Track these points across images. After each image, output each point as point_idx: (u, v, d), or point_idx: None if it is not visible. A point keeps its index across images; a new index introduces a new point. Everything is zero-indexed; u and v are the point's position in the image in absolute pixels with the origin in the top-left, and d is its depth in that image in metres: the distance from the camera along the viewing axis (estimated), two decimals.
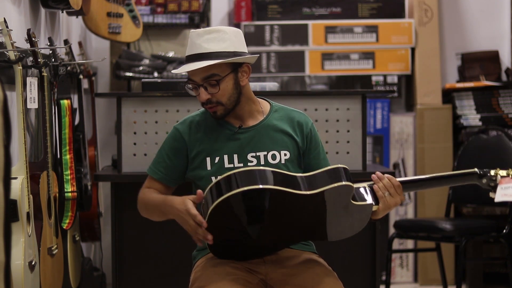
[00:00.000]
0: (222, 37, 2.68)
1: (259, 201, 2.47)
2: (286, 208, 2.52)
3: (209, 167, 2.75)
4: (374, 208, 2.63)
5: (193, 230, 2.53)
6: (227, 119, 2.78)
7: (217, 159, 2.75)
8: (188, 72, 2.68)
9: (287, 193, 2.47)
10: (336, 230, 2.64)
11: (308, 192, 2.50)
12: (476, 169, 2.74)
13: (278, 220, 2.55)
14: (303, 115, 2.86)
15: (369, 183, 2.66)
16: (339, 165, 2.58)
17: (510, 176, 2.75)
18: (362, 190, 2.64)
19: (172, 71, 2.75)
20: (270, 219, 2.53)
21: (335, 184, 2.53)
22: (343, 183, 2.53)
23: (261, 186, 2.44)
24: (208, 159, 2.76)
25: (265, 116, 2.81)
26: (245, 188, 2.42)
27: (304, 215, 2.55)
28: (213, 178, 2.71)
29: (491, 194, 2.76)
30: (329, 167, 2.59)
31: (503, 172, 2.75)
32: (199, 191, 2.55)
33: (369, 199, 2.62)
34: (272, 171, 2.50)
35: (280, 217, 2.54)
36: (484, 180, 2.75)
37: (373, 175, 2.66)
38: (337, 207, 2.57)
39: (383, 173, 2.70)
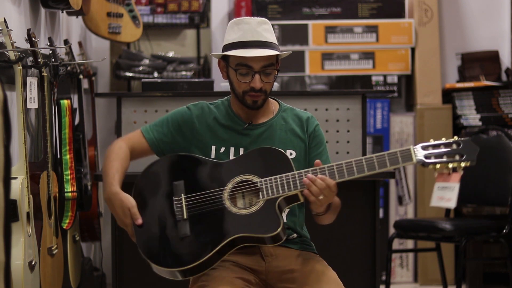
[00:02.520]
0: (270, 29, 2.75)
1: None
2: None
3: (212, 155, 2.76)
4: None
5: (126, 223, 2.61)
6: (238, 114, 2.79)
7: (222, 149, 2.76)
8: (248, 57, 2.67)
9: None
10: None
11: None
12: (411, 147, 2.54)
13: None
14: (311, 115, 2.87)
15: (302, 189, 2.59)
16: (276, 231, 2.57)
17: (450, 172, 2.53)
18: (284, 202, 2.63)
19: (241, 55, 2.66)
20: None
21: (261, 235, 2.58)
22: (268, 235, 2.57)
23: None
24: (213, 147, 2.76)
25: (274, 114, 2.82)
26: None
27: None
28: None
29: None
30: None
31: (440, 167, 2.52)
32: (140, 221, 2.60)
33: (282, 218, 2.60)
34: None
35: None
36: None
37: (304, 179, 2.56)
38: None
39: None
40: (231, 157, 2.75)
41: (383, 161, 2.55)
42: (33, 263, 3.00)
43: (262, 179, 2.60)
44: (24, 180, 2.97)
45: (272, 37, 2.73)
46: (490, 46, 5.63)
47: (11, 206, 2.84)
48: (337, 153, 3.71)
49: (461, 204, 5.14)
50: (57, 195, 3.59)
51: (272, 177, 2.60)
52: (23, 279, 2.86)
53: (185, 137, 2.78)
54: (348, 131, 3.71)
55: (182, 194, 2.65)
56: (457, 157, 2.53)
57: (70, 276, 3.81)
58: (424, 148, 2.55)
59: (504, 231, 4.41)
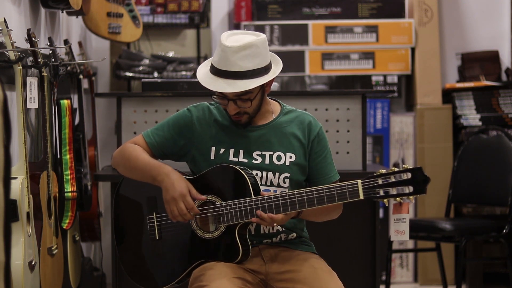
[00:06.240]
0: (255, 52, 2.63)
1: None
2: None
3: (212, 157, 2.77)
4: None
5: (180, 213, 2.65)
6: None
7: (222, 150, 2.76)
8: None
9: None
10: None
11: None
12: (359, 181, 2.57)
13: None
14: (313, 118, 2.84)
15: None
16: (236, 259, 2.69)
17: (401, 202, 2.56)
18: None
19: (207, 86, 2.65)
20: None
21: None
22: None
23: None
24: (213, 148, 2.77)
25: (275, 117, 2.81)
26: None
27: None
28: None
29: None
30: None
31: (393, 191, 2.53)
32: (204, 197, 2.67)
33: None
34: None
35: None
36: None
37: (253, 219, 2.62)
38: None
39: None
40: (231, 158, 2.75)
41: (331, 195, 2.61)
42: (33, 263, 3.00)
43: (223, 203, 2.68)
44: (24, 180, 2.97)
45: (250, 63, 2.62)
46: (490, 46, 5.63)
47: (11, 206, 2.84)
48: (337, 153, 3.71)
49: (461, 204, 5.14)
50: (57, 195, 3.59)
51: (232, 202, 2.67)
52: (23, 279, 2.86)
53: (186, 139, 2.79)
54: (348, 131, 3.71)
55: (154, 213, 2.78)
56: (406, 190, 2.55)
57: (70, 276, 3.81)
58: (373, 180, 2.55)
59: (504, 231, 4.41)
